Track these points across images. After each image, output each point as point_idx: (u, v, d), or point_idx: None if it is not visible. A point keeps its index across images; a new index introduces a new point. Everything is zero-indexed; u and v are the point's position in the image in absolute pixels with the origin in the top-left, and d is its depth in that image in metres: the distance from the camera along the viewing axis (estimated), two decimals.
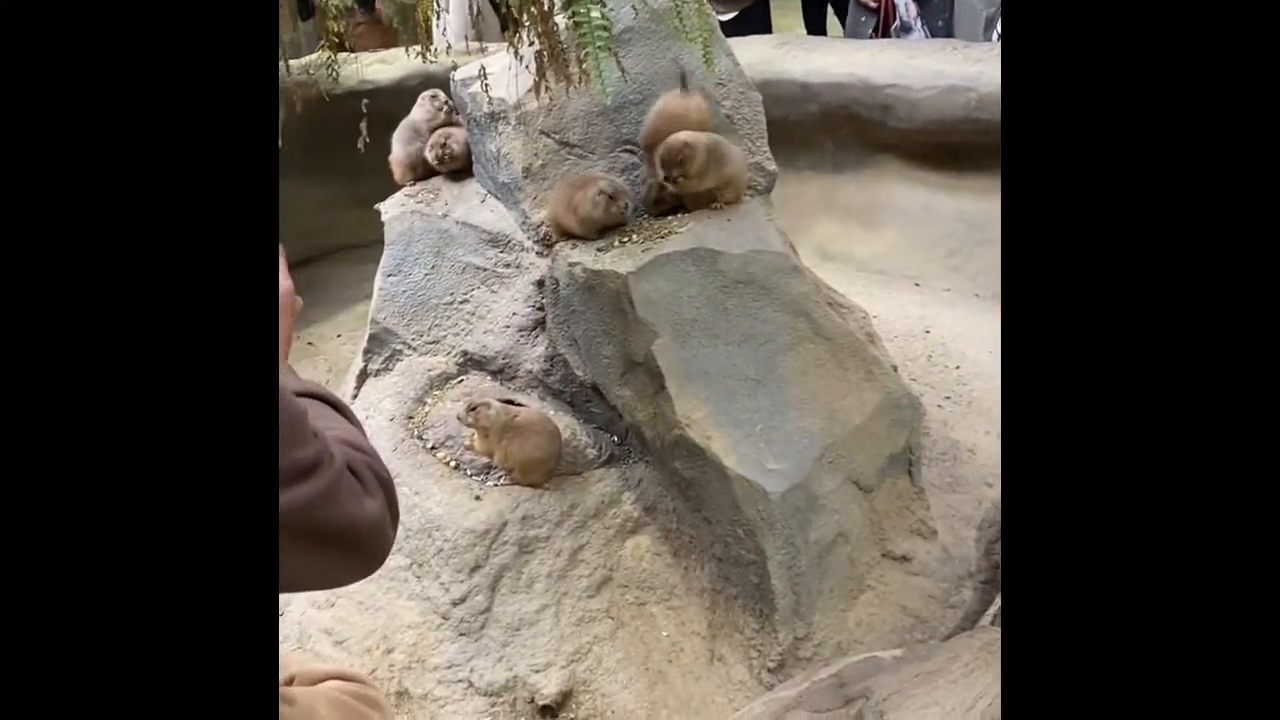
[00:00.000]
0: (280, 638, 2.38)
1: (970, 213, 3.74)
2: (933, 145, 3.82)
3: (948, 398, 3.02)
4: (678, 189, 2.35)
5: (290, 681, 1.29)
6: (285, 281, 1.23)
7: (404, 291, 2.83)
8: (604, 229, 2.39)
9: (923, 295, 3.70)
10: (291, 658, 1.41)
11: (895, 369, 2.59)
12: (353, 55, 4.03)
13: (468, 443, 2.50)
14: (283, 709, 1.17)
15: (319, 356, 3.78)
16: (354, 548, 0.94)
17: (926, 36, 4.53)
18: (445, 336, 2.79)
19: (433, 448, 2.59)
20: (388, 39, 4.50)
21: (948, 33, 4.54)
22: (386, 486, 0.99)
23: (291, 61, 2.22)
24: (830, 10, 5.45)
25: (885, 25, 4.68)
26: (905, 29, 4.63)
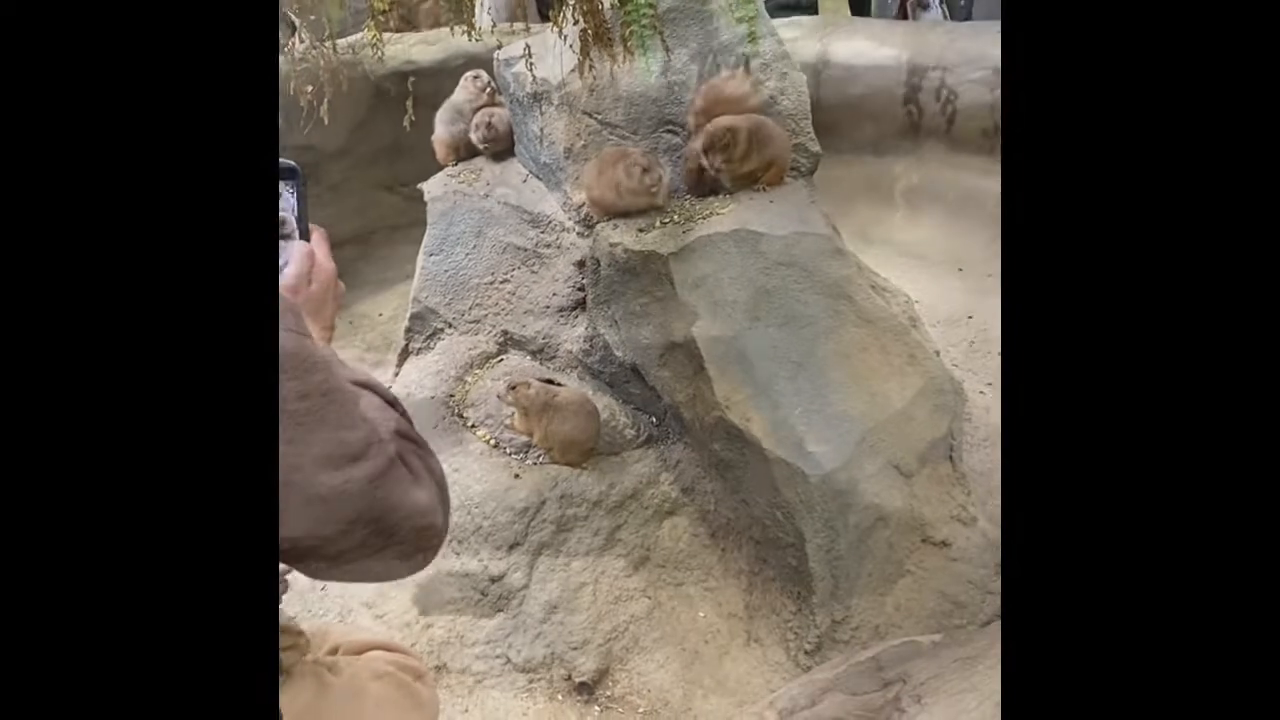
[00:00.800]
0: (321, 612, 2.43)
1: None
2: (975, 129, 3.78)
3: (990, 384, 3.00)
4: (720, 174, 2.34)
5: (334, 651, 1.31)
6: (328, 265, 1.24)
7: (446, 271, 2.85)
8: (644, 206, 2.39)
9: (965, 281, 3.66)
10: (335, 629, 1.43)
11: (937, 354, 2.56)
12: (397, 35, 4.06)
13: (508, 421, 2.52)
14: (327, 678, 1.19)
15: (361, 335, 3.81)
16: (403, 537, 0.92)
17: (944, 16, 4.49)
18: (486, 316, 2.81)
19: (473, 426, 2.61)
20: None
21: (967, 14, 4.49)
22: (438, 478, 0.98)
23: (339, 41, 2.24)
24: None
25: (904, 4, 4.65)
26: (923, 6, 4.60)
